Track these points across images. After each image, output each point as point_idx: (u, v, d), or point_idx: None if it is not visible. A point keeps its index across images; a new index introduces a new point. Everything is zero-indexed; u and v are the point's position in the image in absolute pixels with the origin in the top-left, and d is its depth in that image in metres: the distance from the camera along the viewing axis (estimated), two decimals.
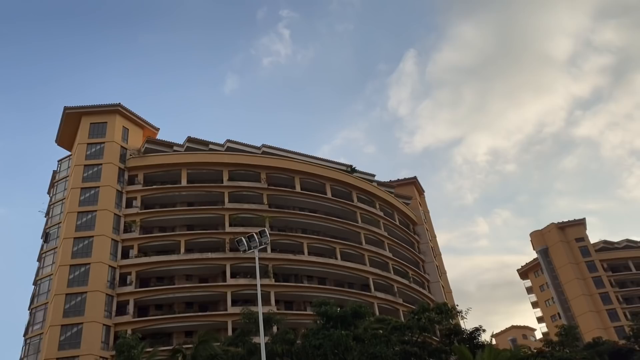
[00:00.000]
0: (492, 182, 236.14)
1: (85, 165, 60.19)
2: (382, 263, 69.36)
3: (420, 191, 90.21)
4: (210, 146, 67.11)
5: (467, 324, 43.58)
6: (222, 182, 63.72)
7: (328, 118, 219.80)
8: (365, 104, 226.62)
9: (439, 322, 38.68)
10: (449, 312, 40.01)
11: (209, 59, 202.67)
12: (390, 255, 70.80)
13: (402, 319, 56.94)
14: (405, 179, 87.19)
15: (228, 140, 67.61)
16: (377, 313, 58.09)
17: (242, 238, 32.86)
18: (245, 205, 62.76)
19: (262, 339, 29.12)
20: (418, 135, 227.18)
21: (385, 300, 65.04)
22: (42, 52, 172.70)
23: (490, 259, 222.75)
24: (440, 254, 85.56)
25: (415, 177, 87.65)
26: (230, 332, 51.00)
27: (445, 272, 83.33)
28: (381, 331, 38.15)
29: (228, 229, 59.83)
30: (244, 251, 32.94)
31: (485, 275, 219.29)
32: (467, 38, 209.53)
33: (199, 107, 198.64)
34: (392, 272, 69.27)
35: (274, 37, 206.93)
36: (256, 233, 32.67)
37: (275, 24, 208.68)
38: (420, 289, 72.68)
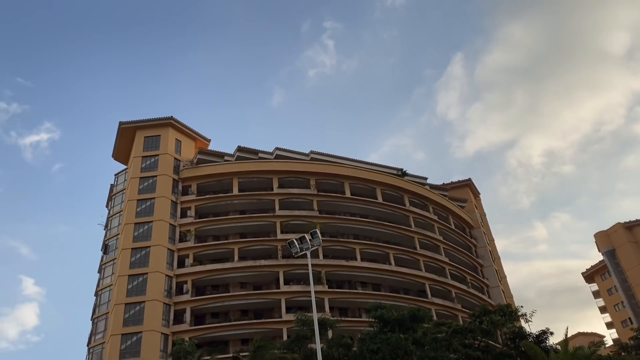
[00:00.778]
0: (548, 185, 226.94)
1: (140, 178, 61.79)
2: (438, 268, 67.37)
3: (476, 193, 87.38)
4: (260, 155, 67.61)
5: (531, 329, 41.16)
6: (273, 190, 63.90)
7: (375, 126, 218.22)
8: (413, 110, 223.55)
9: (502, 324, 36.56)
10: (512, 314, 37.77)
11: (255, 74, 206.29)
12: (446, 260, 68.71)
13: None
14: (459, 182, 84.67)
15: (277, 148, 67.92)
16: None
17: (294, 240, 32.47)
18: (296, 212, 62.62)
19: (317, 343, 28.45)
20: (469, 139, 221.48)
21: (443, 306, 62.94)
22: (92, 69, 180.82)
23: (551, 264, 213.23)
24: (499, 258, 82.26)
25: (469, 179, 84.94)
26: (285, 339, 50.54)
27: (505, 277, 79.96)
28: (440, 335, 36.60)
29: (280, 236, 59.73)
30: (296, 253, 32.52)
31: (545, 281, 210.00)
32: (516, 38, 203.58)
33: (247, 121, 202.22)
34: (449, 277, 67.15)
35: (318, 48, 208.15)
36: (307, 235, 32.22)
37: (319, 36, 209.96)
38: (480, 294, 70.00)
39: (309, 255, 32.25)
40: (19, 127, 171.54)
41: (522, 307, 38.10)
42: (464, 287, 67.70)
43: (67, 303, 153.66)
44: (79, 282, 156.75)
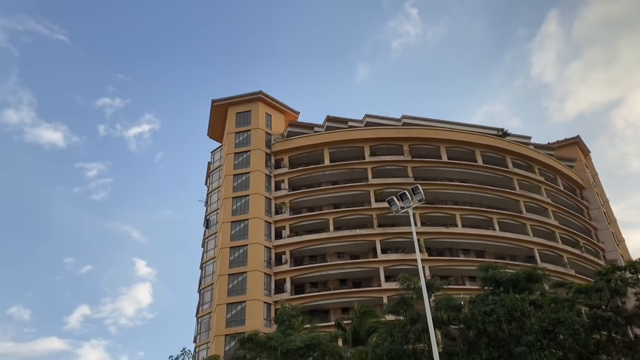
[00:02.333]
0: None
1: (235, 153, 62.92)
2: (548, 232, 62.76)
3: (586, 152, 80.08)
4: (349, 123, 66.26)
5: None
6: (364, 158, 62.48)
7: (466, 94, 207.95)
8: (506, 74, 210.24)
9: (634, 283, 32.58)
10: None
11: (339, 49, 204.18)
12: (556, 223, 63.82)
13: None
14: (566, 140, 77.85)
15: (367, 115, 66.18)
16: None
17: (394, 197, 30.71)
18: (390, 180, 60.71)
19: (427, 306, 26.71)
20: (569, 101, 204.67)
21: (555, 272, 58.29)
22: (183, 58, 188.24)
23: None
24: (615, 220, 75.03)
25: (578, 136, 77.82)
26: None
27: (623, 240, 72.84)
28: (564, 295, 33.44)
29: (374, 204, 58.39)
30: (397, 212, 30.78)
31: None
32: None
33: (332, 96, 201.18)
34: (559, 241, 62.41)
35: (401, 18, 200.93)
36: (408, 190, 30.38)
37: (401, 5, 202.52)
38: (595, 259, 64.43)
39: (411, 213, 30.35)
40: (123, 120, 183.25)
41: None
42: (578, 252, 62.66)
43: (176, 279, 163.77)
44: (185, 259, 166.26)
